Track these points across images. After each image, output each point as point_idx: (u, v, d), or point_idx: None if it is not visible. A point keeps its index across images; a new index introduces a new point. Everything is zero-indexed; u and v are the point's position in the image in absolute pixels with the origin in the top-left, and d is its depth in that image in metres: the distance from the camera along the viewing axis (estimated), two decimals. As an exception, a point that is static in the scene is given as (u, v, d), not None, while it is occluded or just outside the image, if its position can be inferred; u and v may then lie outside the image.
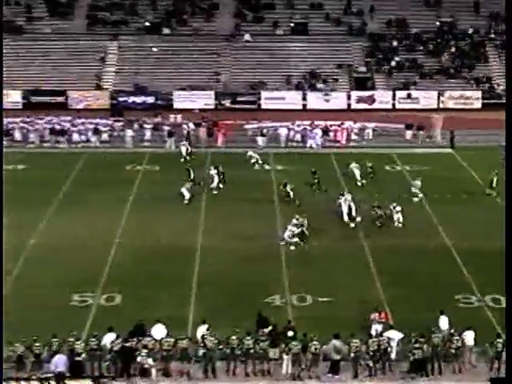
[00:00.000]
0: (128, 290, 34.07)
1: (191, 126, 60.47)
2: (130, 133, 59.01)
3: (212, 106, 70.15)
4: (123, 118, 62.99)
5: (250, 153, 54.15)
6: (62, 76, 72.28)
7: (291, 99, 70.77)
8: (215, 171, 48.48)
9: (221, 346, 28.67)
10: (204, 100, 70.45)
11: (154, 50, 74.89)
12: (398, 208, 41.86)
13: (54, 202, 45.70)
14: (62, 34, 75.97)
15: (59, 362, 27.30)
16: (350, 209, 42.81)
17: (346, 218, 42.62)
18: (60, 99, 69.83)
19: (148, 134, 59.82)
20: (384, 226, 41.54)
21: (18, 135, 59.35)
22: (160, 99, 70.32)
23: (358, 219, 42.43)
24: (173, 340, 28.94)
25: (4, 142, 57.75)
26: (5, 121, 60.03)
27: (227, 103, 70.71)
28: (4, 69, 71.41)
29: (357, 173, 49.65)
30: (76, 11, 78.88)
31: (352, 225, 41.98)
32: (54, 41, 75.36)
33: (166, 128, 59.91)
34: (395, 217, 41.69)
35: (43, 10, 78.56)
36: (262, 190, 47.83)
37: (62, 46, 74.85)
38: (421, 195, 46.11)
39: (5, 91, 69.31)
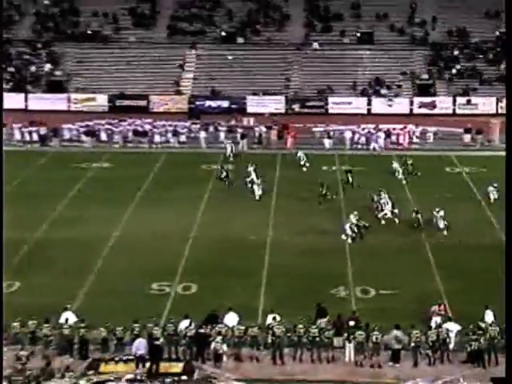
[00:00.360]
0: (203, 280, 34.19)
1: (263, 128, 60.59)
2: (203, 134, 59.20)
3: (282, 111, 70.06)
4: (200, 121, 63.24)
5: (300, 154, 53.76)
6: (144, 82, 72.78)
7: (357, 104, 70.41)
8: (252, 167, 48.45)
9: (288, 334, 28.57)
10: (275, 104, 70.40)
11: (229, 57, 75.11)
12: (441, 213, 40.37)
13: (136, 197, 46.06)
14: (145, 43, 76.58)
15: (140, 346, 27.51)
16: (392, 206, 42.20)
17: (389, 214, 41.86)
18: (142, 103, 70.34)
19: (222, 136, 59.97)
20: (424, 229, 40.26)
21: (103, 136, 59.98)
22: (234, 103, 70.49)
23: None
24: (244, 328, 28.95)
25: (91, 142, 58.66)
26: (91, 122, 60.85)
27: (297, 108, 70.64)
28: (92, 75, 72.85)
29: (399, 171, 49.57)
30: (158, 22, 79.56)
31: (396, 220, 41.31)
32: (138, 49, 76.01)
33: (239, 130, 59.93)
34: (440, 224, 40.18)
35: (128, 21, 79.30)
36: (327, 188, 47.06)
37: (144, 54, 75.44)
38: (496, 195, 44.97)
39: (93, 95, 70.59)
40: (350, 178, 48.28)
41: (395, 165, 50.54)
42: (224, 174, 49.38)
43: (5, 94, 69.22)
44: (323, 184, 46.11)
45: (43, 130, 59.04)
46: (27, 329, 28.70)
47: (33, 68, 74.57)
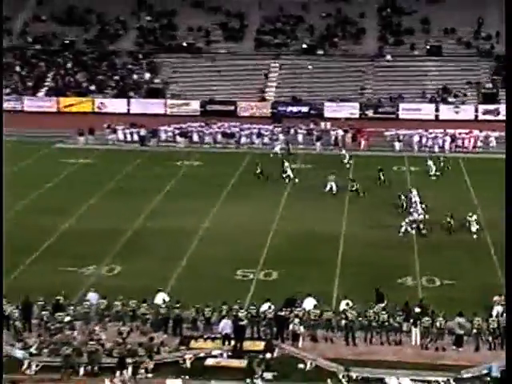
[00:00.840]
0: (282, 268, 34.13)
1: (339, 132, 60.25)
2: (280, 136, 59.08)
3: (357, 116, 69.61)
4: (281, 124, 63.24)
5: (343, 152, 53.72)
6: (232, 89, 73.08)
7: (425, 110, 69.55)
8: (287, 164, 49.12)
9: (360, 318, 28.38)
10: (350, 110, 69.96)
11: (310, 67, 74.96)
12: (474, 217, 38.99)
13: (223, 193, 46.22)
14: (233, 55, 76.85)
15: (226, 326, 27.58)
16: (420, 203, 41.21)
17: (420, 210, 40.60)
18: (230, 108, 70.61)
19: (300, 138, 59.85)
20: (454, 233, 38.96)
21: (195, 137, 60.29)
22: (313, 109, 70.32)
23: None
24: (319, 311, 28.84)
25: (184, 143, 59.15)
26: (185, 125, 61.41)
27: (370, 113, 70.14)
28: (186, 83, 73.54)
29: (433, 168, 49.70)
30: (245, 35, 79.82)
31: (427, 216, 40.16)
32: (227, 60, 76.30)
33: (315, 133, 59.79)
34: (472, 228, 38.74)
35: (219, 35, 79.68)
36: (396, 188, 46.67)
37: (233, 64, 75.69)
38: None
39: (187, 101, 71.18)
40: (382, 176, 47.81)
41: (429, 162, 50.18)
42: (259, 170, 49.24)
43: (110, 100, 71.06)
44: (354, 180, 46.44)
45: (143, 132, 59.72)
46: (128, 307, 29.07)
47: (135, 76, 75.59)
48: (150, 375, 25.58)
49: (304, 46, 77.61)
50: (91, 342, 26.19)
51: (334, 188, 45.88)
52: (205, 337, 27.62)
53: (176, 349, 26.95)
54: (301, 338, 28.01)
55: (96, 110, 70.65)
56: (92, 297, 29.53)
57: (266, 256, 35.96)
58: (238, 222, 40.68)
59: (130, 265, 34.53)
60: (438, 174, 49.64)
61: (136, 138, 59.60)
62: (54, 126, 61.87)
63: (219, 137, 60.18)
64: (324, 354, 26.95)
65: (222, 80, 74.25)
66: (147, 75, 75.62)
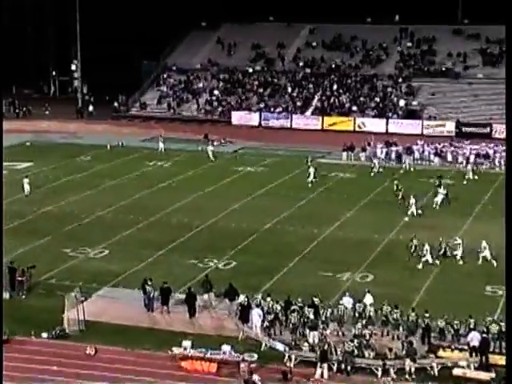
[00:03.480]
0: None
1: None
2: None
3: None
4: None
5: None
6: (488, 112, 70.83)
7: None
8: (313, 169, 49.89)
9: None
10: None
11: None
12: (458, 241, 36.34)
13: (475, 210, 44.41)
14: (491, 79, 74.44)
15: (473, 338, 26.75)
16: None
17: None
18: (485, 130, 68.64)
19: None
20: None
21: (449, 157, 58.80)
22: None
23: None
24: None
25: (439, 162, 57.67)
26: (440, 145, 60.19)
27: None
28: (443, 105, 72.11)
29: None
30: (503, 60, 76.73)
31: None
32: (484, 84, 74.21)
33: None
34: (456, 252, 36.04)
35: (478, 60, 77.71)
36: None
37: (489, 88, 73.20)
38: None
39: (442, 122, 69.90)
40: (438, 182, 47.42)
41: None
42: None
43: (370, 119, 71.24)
44: (398, 185, 46.16)
45: (399, 150, 59.20)
46: (382, 312, 28.95)
47: (394, 98, 75.29)
48: (409, 378, 25.48)
49: None
50: (350, 343, 26.40)
51: None
52: (452, 347, 26.92)
53: (424, 356, 26.47)
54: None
55: (356, 129, 71.24)
56: (347, 301, 29.74)
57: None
58: (492, 239, 37.64)
59: (382, 273, 34.39)
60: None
61: (393, 155, 59.14)
62: (318, 143, 63.20)
63: (472, 157, 58.11)
64: None
65: (478, 103, 72.12)
66: (405, 97, 75.19)
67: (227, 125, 74.10)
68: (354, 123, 71.83)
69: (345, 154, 59.11)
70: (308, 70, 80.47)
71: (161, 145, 60.55)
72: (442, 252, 36.30)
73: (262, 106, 76.31)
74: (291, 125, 73.54)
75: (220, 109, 77.66)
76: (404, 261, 35.98)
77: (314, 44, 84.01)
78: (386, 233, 40.14)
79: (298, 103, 76.38)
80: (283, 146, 62.14)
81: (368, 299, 29.45)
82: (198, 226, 40.51)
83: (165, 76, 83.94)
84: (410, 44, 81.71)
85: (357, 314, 29.04)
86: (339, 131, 69.96)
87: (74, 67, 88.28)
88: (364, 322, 28.22)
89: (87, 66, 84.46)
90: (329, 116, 73.62)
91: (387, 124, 71.51)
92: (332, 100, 76.06)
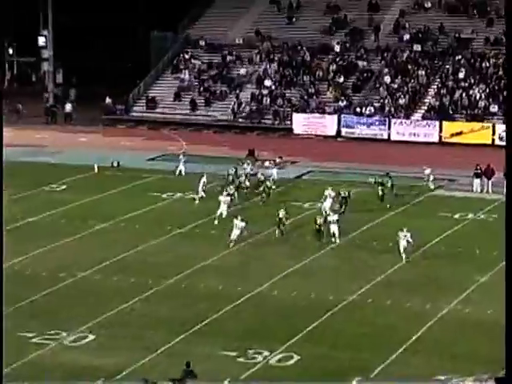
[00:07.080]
0: None
1: None
2: None
3: None
4: None
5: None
6: None
7: None
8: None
9: None
10: None
11: None
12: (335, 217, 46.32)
13: None
14: None
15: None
16: None
17: None
18: None
19: None
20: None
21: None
22: None
23: None
24: None
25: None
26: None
27: None
28: None
29: None
30: None
31: None
32: None
33: None
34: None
35: None
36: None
37: None
38: None
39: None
40: None
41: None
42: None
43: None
44: None
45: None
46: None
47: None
48: None
49: None
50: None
51: None
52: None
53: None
54: None
55: (497, 141, 69.39)
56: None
57: None
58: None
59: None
60: None
61: None
62: (434, 162, 61.25)
63: None
64: None
65: None
66: None
67: (286, 134, 75.15)
68: (494, 132, 71.43)
69: (477, 181, 58.47)
70: (417, 47, 78.91)
71: (181, 166, 60.60)
72: None
73: (342, 104, 75.75)
74: (389, 135, 73.32)
75: (274, 109, 76.73)
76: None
77: (428, 4, 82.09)
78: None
79: (401, 101, 75.21)
80: (375, 168, 60.94)
81: None
82: (239, 296, 40.51)
83: (186, 56, 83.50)
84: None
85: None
86: (468, 145, 70.41)
87: (42, 42, 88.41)
88: None
89: (63, 41, 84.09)
90: (451, 121, 73.29)
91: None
92: (457, 95, 74.63)
